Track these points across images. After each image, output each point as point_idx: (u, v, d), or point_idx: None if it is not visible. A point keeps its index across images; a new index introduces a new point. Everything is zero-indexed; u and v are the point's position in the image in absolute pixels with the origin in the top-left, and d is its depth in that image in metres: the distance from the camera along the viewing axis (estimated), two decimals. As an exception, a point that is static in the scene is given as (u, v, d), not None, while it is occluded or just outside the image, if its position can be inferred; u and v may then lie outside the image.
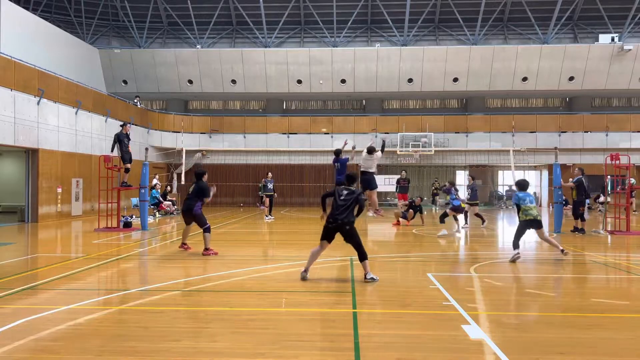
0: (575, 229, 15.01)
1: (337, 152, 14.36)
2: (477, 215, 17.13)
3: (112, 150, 15.68)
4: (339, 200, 7.82)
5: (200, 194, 10.74)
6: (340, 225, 7.64)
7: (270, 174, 20.81)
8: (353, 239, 7.70)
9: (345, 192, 7.87)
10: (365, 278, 7.59)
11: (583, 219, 15.17)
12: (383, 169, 31.26)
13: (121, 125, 16.06)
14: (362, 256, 7.68)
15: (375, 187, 12.95)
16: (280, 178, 28.66)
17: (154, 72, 32.69)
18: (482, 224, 16.85)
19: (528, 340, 4.92)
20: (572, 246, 12.29)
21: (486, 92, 33.54)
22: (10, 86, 17.43)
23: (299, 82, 32.74)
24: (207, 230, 10.51)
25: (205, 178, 11.04)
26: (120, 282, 8.29)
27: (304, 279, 7.67)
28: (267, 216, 20.30)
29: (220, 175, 31.57)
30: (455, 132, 31.04)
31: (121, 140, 15.47)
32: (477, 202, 17.41)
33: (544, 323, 5.53)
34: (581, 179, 15.11)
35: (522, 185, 10.29)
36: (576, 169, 15.59)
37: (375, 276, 7.65)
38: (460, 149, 30.72)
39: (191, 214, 10.70)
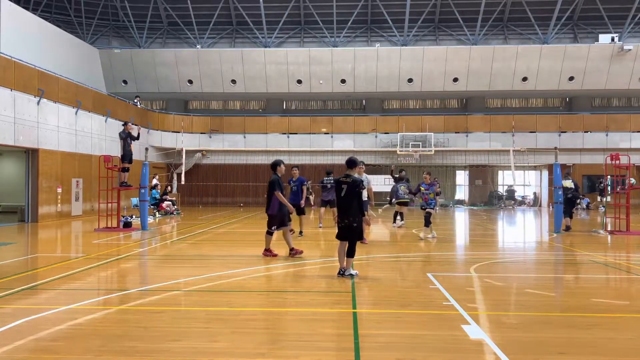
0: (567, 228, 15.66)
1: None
2: (399, 213, 16.81)
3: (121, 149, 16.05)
4: (341, 197, 7.94)
5: (270, 189, 9.74)
6: (348, 224, 7.86)
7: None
8: (352, 236, 7.85)
9: (344, 186, 7.90)
10: (344, 274, 7.86)
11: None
12: (382, 169, 31.27)
13: (123, 125, 16.24)
14: (350, 254, 7.90)
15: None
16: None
17: (154, 72, 32.67)
18: (394, 222, 16.60)
19: (528, 340, 4.92)
20: (572, 246, 12.30)
21: (486, 92, 33.52)
22: (10, 86, 17.43)
23: (299, 82, 32.72)
24: (268, 233, 10.07)
25: (280, 170, 9.90)
26: (120, 282, 8.28)
27: (351, 276, 7.86)
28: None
29: (220, 176, 31.66)
30: (455, 132, 31.05)
31: (124, 138, 15.72)
32: (406, 200, 17.24)
33: (544, 323, 5.53)
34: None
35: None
36: (565, 171, 16.46)
37: (354, 271, 7.99)
38: (460, 149, 30.72)
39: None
